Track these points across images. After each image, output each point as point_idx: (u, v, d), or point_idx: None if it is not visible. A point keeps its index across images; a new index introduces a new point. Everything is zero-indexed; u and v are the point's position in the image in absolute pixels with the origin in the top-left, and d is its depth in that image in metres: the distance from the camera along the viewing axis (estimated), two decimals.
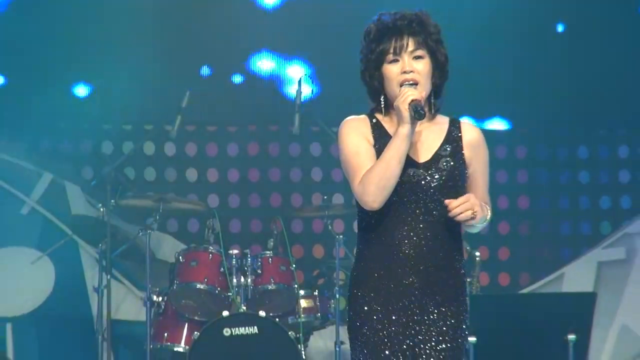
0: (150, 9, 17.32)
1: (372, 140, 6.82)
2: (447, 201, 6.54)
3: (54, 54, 16.81)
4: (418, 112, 6.39)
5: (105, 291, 13.56)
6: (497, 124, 17.31)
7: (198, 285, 13.14)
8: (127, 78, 16.44)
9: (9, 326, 14.90)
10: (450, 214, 6.57)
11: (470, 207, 6.54)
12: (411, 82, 6.60)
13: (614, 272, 15.85)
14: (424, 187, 6.71)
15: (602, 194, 16.42)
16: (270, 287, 13.30)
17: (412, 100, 6.43)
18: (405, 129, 6.50)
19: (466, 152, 6.85)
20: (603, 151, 16.55)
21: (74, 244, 15.18)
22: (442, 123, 6.93)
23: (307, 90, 15.37)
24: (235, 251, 13.38)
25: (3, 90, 17.09)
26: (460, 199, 6.55)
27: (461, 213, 6.49)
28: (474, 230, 7.01)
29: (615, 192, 16.48)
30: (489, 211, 6.79)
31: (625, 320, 15.45)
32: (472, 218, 6.53)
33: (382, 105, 6.83)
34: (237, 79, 17.24)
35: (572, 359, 12.13)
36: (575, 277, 15.69)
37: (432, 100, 6.78)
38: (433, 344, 6.69)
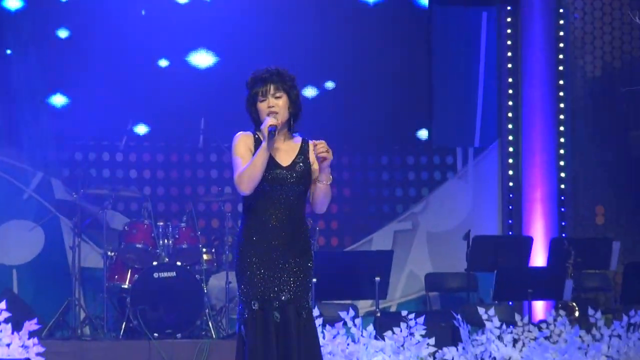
0: None
1: (253, 150, 7.49)
2: (317, 142, 7.44)
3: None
4: (270, 133, 7.28)
5: (77, 249, 14.05)
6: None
7: (137, 245, 13.81)
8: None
9: (14, 271, 15.42)
10: (318, 150, 7.39)
11: (328, 150, 7.44)
12: (273, 111, 7.50)
13: (404, 238, 16.26)
14: (286, 182, 7.48)
15: (397, 187, 16.68)
16: (184, 246, 13.95)
17: (270, 125, 7.37)
18: (265, 143, 7.36)
19: (311, 159, 7.63)
20: (397, 160, 16.65)
21: (56, 219, 15.73)
22: (298, 141, 7.68)
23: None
24: (161, 223, 14.09)
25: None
26: (323, 145, 7.45)
27: (325, 151, 7.41)
28: (319, 207, 7.71)
29: (406, 186, 16.63)
30: (330, 180, 7.57)
31: (411, 268, 15.90)
32: (325, 159, 7.42)
33: (257, 130, 7.56)
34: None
35: (377, 293, 12.95)
36: (380, 241, 16.12)
37: (291, 124, 7.66)
38: (291, 281, 7.45)
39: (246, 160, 7.51)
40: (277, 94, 7.56)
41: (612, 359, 10.79)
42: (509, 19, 16.49)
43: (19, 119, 16.39)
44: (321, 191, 7.65)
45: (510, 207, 16.39)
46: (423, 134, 16.69)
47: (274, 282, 7.49)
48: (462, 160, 16.64)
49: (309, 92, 16.56)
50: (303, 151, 7.68)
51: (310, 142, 7.70)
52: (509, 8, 16.43)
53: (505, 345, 11.00)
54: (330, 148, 7.50)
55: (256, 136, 7.61)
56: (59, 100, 16.36)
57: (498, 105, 16.69)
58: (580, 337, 11.05)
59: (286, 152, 7.61)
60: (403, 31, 16.76)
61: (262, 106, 7.52)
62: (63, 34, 17.16)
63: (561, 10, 16.13)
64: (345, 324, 11.24)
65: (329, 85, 16.65)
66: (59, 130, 16.37)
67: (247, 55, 16.38)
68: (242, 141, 7.62)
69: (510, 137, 16.50)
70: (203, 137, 14.49)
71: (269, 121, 7.43)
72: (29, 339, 10.61)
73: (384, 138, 16.73)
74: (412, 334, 10.98)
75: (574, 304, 12.79)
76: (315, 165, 7.69)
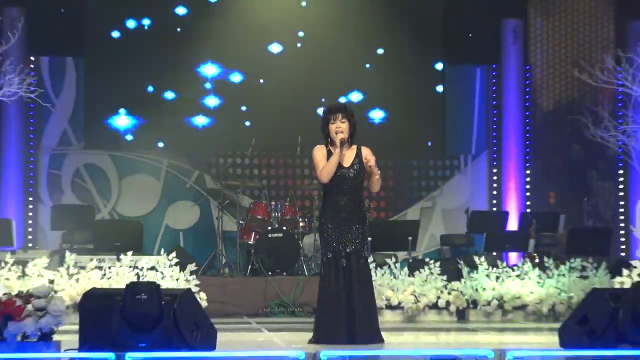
0: None
1: (325, 155, 7.51)
2: (369, 161, 7.44)
3: None
4: (342, 143, 7.38)
5: (220, 219, 13.55)
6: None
7: (258, 217, 13.33)
8: None
9: (181, 233, 15.21)
10: (368, 165, 7.41)
11: (374, 163, 7.41)
12: (340, 131, 7.43)
13: (427, 212, 15.77)
14: (347, 176, 7.49)
15: (422, 180, 16.32)
16: (287, 217, 13.40)
17: (341, 139, 7.43)
18: (338, 149, 7.40)
19: (364, 160, 7.50)
20: (423, 163, 16.33)
21: (207, 200, 15.39)
22: (354, 149, 7.62)
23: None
24: (273, 202, 13.57)
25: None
26: (372, 161, 7.47)
27: (370, 167, 7.41)
28: (375, 190, 7.84)
29: (428, 180, 16.26)
30: (379, 175, 7.56)
31: (432, 232, 15.44)
32: (372, 168, 7.40)
33: (328, 141, 7.57)
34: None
35: (409, 247, 12.52)
36: (412, 214, 15.65)
37: (349, 139, 7.58)
38: (352, 239, 7.46)
39: (322, 162, 7.57)
40: (343, 120, 7.51)
41: (558, 289, 10.70)
42: (494, 73, 16.27)
43: (183, 134, 15.84)
44: (375, 181, 7.57)
45: (494, 193, 16.09)
46: (440, 146, 16.26)
47: (342, 241, 7.49)
48: (464, 163, 16.28)
49: (377, 114, 16.03)
50: (358, 155, 7.60)
51: (363, 151, 7.65)
52: (494, 66, 16.22)
53: (491, 280, 10.93)
54: (379, 154, 7.59)
55: (327, 148, 7.60)
56: (201, 120, 15.71)
57: (486, 127, 16.38)
58: (539, 275, 10.99)
59: (347, 156, 7.54)
60: (426, 81, 16.31)
61: (332, 127, 7.52)
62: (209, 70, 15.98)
63: (527, 67, 15.89)
64: (389, 266, 11.08)
65: (380, 114, 16.01)
66: (207, 143, 15.93)
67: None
68: (319, 150, 7.65)
69: (494, 148, 16.24)
70: (300, 148, 13.99)
71: (340, 136, 7.48)
72: (190, 276, 10.55)
73: (416, 148, 16.28)
74: (432, 273, 10.84)
75: (535, 254, 12.73)
76: (368, 165, 7.51)
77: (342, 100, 15.09)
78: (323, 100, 15.28)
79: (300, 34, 16.04)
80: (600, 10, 15.68)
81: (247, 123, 16.05)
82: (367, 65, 16.16)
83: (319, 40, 15.90)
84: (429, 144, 16.46)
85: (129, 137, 15.72)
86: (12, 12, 13.56)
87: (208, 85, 15.93)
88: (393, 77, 16.09)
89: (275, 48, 16.01)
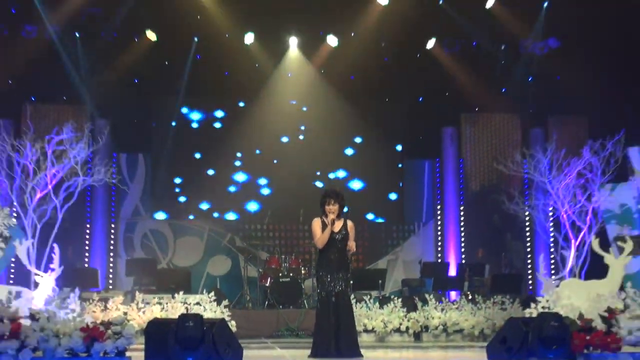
0: None
1: (321, 226, 7.33)
2: (350, 245, 7.38)
3: None
4: (332, 221, 7.16)
5: (245, 269, 13.36)
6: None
7: (272, 266, 13.03)
8: None
9: (217, 279, 14.72)
10: (349, 248, 7.33)
11: (353, 248, 7.36)
12: (331, 212, 7.24)
13: (392, 263, 15.39)
14: (336, 239, 7.29)
15: (389, 240, 15.82)
16: (293, 266, 13.04)
17: (331, 219, 7.21)
18: (328, 228, 7.22)
19: (348, 230, 7.34)
20: (391, 228, 15.93)
21: (236, 255, 14.77)
22: (342, 220, 7.38)
23: None
24: (283, 256, 13.38)
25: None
26: (352, 246, 7.38)
27: (351, 249, 7.31)
28: (351, 252, 7.40)
29: (393, 240, 15.80)
30: (354, 248, 7.38)
31: (395, 277, 14.93)
32: (350, 250, 7.32)
33: (324, 216, 7.29)
34: None
35: (380, 287, 12.45)
36: (381, 264, 15.17)
37: (339, 215, 7.36)
38: (339, 283, 7.26)
39: (318, 232, 7.40)
40: (334, 204, 7.37)
41: (485, 318, 10.61)
42: (437, 165, 16.06)
43: (220, 206, 15.81)
44: (350, 251, 7.43)
45: (439, 249, 15.78)
46: (400, 216, 16.10)
47: (331, 284, 7.33)
48: (417, 227, 15.94)
49: (356, 184, 15.93)
50: (344, 226, 7.41)
51: (349, 223, 7.47)
52: (437, 160, 16.02)
53: (437, 311, 10.82)
54: (359, 219, 7.53)
55: (322, 219, 7.42)
56: (233, 195, 15.69)
57: (433, 203, 16.06)
58: (471, 308, 10.93)
59: (336, 225, 7.36)
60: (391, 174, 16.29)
61: (327, 207, 7.38)
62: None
63: (460, 160, 15.75)
64: (365, 302, 10.95)
65: (359, 184, 15.95)
66: (237, 212, 15.72)
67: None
68: (316, 223, 7.50)
69: (439, 218, 15.91)
70: (302, 218, 13.83)
71: (331, 216, 7.30)
72: (224, 309, 10.41)
73: (385, 219, 16.00)
74: (395, 306, 10.75)
75: (468, 293, 12.56)
76: (350, 235, 7.42)
77: (332, 175, 15.74)
78: (318, 174, 15.65)
79: (302, 127, 16.01)
80: (510, 121, 15.67)
81: (266, 192, 15.83)
82: (350, 151, 16.15)
83: (314, 133, 15.80)
84: (397, 216, 16.21)
85: (182, 209, 15.67)
86: (100, 122, 13.54)
87: (238, 163, 15.89)
88: (368, 159, 16.04)
89: (284, 139, 15.98)
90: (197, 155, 15.79)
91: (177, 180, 15.72)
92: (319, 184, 15.74)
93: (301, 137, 16.09)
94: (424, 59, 14.84)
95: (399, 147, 16.17)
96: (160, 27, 14.28)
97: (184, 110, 15.83)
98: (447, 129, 15.82)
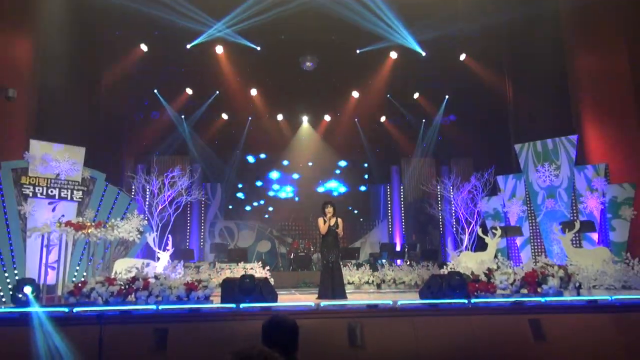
0: None
1: (323, 223, 7.10)
2: (339, 231, 7.15)
3: None
4: (329, 218, 7.02)
5: (279, 248, 13.10)
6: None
7: (294, 247, 12.73)
8: None
9: (263, 254, 13.81)
10: (339, 233, 7.04)
11: (341, 233, 7.21)
12: (329, 212, 7.09)
13: (363, 245, 14.51)
14: (332, 229, 7.15)
15: (363, 232, 15.18)
16: (307, 247, 12.78)
17: (329, 217, 7.08)
18: (327, 223, 7.05)
19: (339, 223, 7.16)
20: (364, 225, 15.43)
21: (273, 240, 14.21)
22: (335, 217, 7.14)
23: None
24: (300, 241, 13.18)
25: None
26: (340, 232, 7.06)
27: (339, 233, 7.17)
28: (340, 235, 7.12)
29: (365, 230, 15.13)
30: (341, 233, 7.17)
31: (366, 251, 13.99)
32: (340, 235, 7.18)
33: (324, 215, 7.10)
34: None
35: (357, 257, 11.45)
36: (357, 244, 14.18)
37: (334, 214, 7.10)
38: (334, 255, 7.10)
39: (322, 226, 7.13)
40: (330, 208, 7.16)
41: (417, 275, 10.09)
42: (388, 187, 15.37)
43: (265, 211, 15.65)
44: (341, 233, 7.17)
45: (390, 234, 15.12)
46: (368, 214, 15.38)
47: (329, 256, 7.13)
48: (378, 223, 15.22)
49: (341, 189, 15.14)
50: (337, 221, 7.20)
51: (339, 219, 7.18)
52: (388, 184, 15.37)
53: (389, 272, 10.40)
54: (346, 215, 7.30)
55: (324, 218, 7.18)
56: (269, 202, 15.50)
57: (385, 208, 15.41)
58: (409, 268, 10.57)
59: (332, 220, 7.15)
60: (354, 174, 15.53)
61: (326, 210, 7.16)
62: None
63: (401, 185, 15.26)
64: (348, 266, 10.66)
65: (343, 189, 15.02)
66: (273, 215, 15.04)
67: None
68: (320, 220, 7.22)
69: (390, 217, 15.20)
70: (311, 218, 13.74)
71: (329, 215, 7.08)
72: (266, 271, 9.92)
73: (361, 219, 15.19)
74: (365, 269, 10.38)
75: (408, 260, 12.14)
76: (340, 226, 7.22)
77: (328, 184, 15.21)
78: (320, 182, 15.11)
79: (310, 164, 15.46)
80: (429, 162, 15.18)
81: (296, 199, 15.22)
82: (337, 171, 15.86)
83: (314, 161, 15.33)
84: (366, 217, 15.51)
85: (242, 214, 15.28)
86: (196, 166, 13.43)
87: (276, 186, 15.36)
88: (351, 176, 15.60)
89: (295, 175, 15.49)
90: (259, 183, 15.33)
91: (239, 197, 15.26)
92: (320, 189, 15.26)
93: (310, 163, 15.49)
94: (380, 128, 14.87)
95: (366, 176, 15.96)
96: (227, 110, 14.20)
97: (242, 155, 15.28)
98: (393, 166, 15.47)
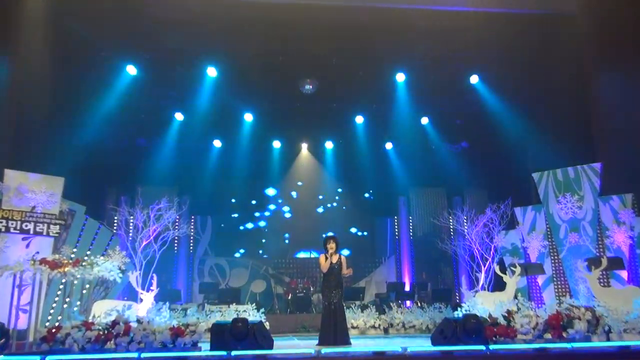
0: None
1: (325, 259, 7.31)
2: (345, 272, 7.27)
3: None
4: (331, 255, 7.13)
5: (275, 288, 13.16)
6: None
7: (292, 286, 12.69)
8: None
9: (257, 294, 13.75)
10: (344, 273, 7.31)
11: (347, 272, 7.43)
12: (331, 248, 7.30)
13: (369, 283, 14.56)
14: (334, 268, 7.34)
15: (366, 269, 15.14)
16: (306, 286, 12.75)
17: (330, 254, 7.29)
18: (328, 260, 7.24)
19: (342, 261, 7.36)
20: (369, 260, 15.25)
21: (269, 279, 14.12)
22: (338, 255, 7.36)
23: None
24: (297, 280, 13.12)
25: None
26: (348, 271, 7.25)
27: (347, 273, 7.41)
28: (345, 276, 7.42)
29: (368, 267, 15.25)
30: (349, 272, 7.35)
31: (371, 292, 14.05)
32: (346, 274, 7.40)
33: (326, 252, 7.31)
34: None
35: (361, 298, 11.84)
36: (362, 283, 14.34)
37: (336, 251, 7.38)
38: (337, 296, 7.27)
39: (323, 264, 7.28)
40: (332, 245, 7.25)
41: (429, 318, 10.19)
42: (395, 220, 15.57)
43: (258, 248, 15.68)
44: (346, 274, 7.29)
45: (398, 273, 15.14)
46: (372, 251, 15.50)
47: (332, 296, 7.21)
48: (384, 260, 15.39)
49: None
50: (339, 259, 7.29)
51: (342, 257, 7.26)
52: (395, 217, 15.52)
53: (398, 314, 10.39)
54: (352, 261, 7.36)
55: (325, 255, 7.28)
56: (264, 240, 15.82)
57: (393, 244, 15.58)
58: (420, 311, 10.61)
59: (334, 259, 7.24)
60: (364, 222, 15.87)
61: (328, 246, 7.27)
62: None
63: (410, 217, 15.43)
64: (352, 308, 10.54)
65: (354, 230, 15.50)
66: (269, 252, 15.22)
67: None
68: (322, 257, 7.32)
69: (398, 254, 15.35)
70: (311, 255, 13.83)
71: (330, 252, 7.20)
72: (261, 314, 9.95)
73: (365, 256, 15.20)
74: (371, 311, 10.38)
75: (418, 301, 12.16)
76: (343, 264, 7.31)
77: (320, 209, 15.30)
78: (318, 209, 15.26)
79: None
80: (439, 193, 15.29)
81: (286, 235, 15.46)
82: (337, 197, 15.91)
83: (309, 191, 15.54)
84: (371, 251, 15.55)
85: (234, 250, 15.31)
86: (184, 198, 13.41)
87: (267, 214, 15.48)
88: (349, 204, 15.72)
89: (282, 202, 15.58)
90: (241, 210, 15.33)
91: (231, 232, 15.33)
92: (320, 210, 15.42)
93: (295, 193, 15.67)
94: (383, 159, 14.90)
95: (368, 220, 16.12)
96: (220, 135, 14.23)
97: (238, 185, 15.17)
98: (401, 197, 15.57)
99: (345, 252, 7.30)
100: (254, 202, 15.33)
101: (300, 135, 14.67)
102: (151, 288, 8.28)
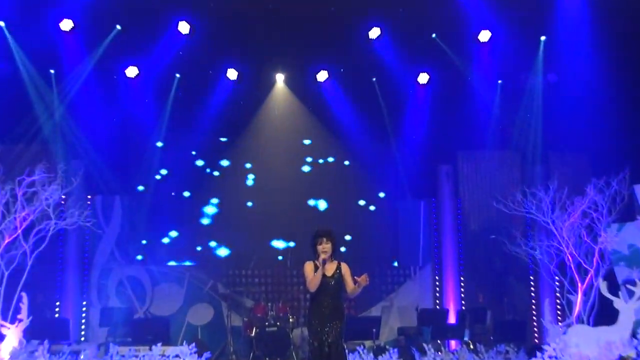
0: None
1: (313, 269, 7.33)
2: (363, 278, 7.29)
3: None
4: (323, 262, 7.25)
5: (229, 317, 13.52)
6: None
7: (257, 315, 13.21)
8: None
9: (199, 328, 14.62)
10: (363, 281, 7.26)
11: (354, 288, 7.40)
12: (324, 251, 7.32)
13: (386, 309, 15.25)
14: (329, 284, 7.36)
15: (382, 285, 15.67)
16: (280, 315, 13.22)
17: (323, 259, 7.29)
18: (321, 267, 7.29)
19: (343, 273, 7.41)
20: (385, 273, 15.74)
21: (219, 302, 14.77)
22: (335, 263, 7.44)
23: None
24: (269, 303, 13.41)
25: None
26: (363, 281, 7.30)
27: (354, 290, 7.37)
28: (353, 295, 7.59)
29: (387, 285, 15.72)
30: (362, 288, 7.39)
31: (390, 325, 14.86)
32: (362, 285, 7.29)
33: (317, 258, 7.32)
34: None
35: (374, 336, 12.47)
36: (375, 311, 15.07)
37: (332, 256, 7.46)
38: (332, 332, 7.29)
39: (310, 275, 7.37)
40: (327, 242, 7.37)
41: None
42: (433, 204, 16.01)
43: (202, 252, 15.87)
44: (356, 291, 7.37)
45: (437, 294, 15.58)
46: (396, 263, 15.88)
47: (324, 333, 7.30)
48: (414, 272, 15.77)
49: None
50: (338, 268, 7.41)
51: (343, 266, 7.48)
52: (433, 199, 16.03)
53: None
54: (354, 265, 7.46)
55: (315, 262, 7.40)
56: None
57: (429, 245, 15.93)
58: (473, 357, 10.83)
59: (329, 268, 7.35)
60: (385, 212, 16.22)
61: (319, 247, 7.35)
62: None
63: (458, 199, 15.78)
64: (359, 352, 10.83)
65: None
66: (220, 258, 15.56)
67: None
68: (308, 265, 7.45)
69: (437, 260, 15.71)
70: (290, 263, 14.10)
71: (323, 256, 7.31)
72: None
73: (380, 265, 15.72)
74: (391, 357, 10.65)
75: (470, 342, 12.51)
76: (346, 277, 7.45)
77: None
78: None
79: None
80: (510, 158, 15.68)
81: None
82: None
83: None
84: (390, 261, 15.93)
85: (163, 254, 15.48)
86: (75, 163, 13.53)
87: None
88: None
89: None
90: (171, 205, 15.66)
91: (157, 224, 15.50)
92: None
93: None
94: (412, 100, 15.15)
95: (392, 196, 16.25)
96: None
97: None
98: (442, 166, 15.80)
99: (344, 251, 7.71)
100: (198, 163, 15.55)
101: (275, 60, 14.65)
102: (19, 317, 8.25)
